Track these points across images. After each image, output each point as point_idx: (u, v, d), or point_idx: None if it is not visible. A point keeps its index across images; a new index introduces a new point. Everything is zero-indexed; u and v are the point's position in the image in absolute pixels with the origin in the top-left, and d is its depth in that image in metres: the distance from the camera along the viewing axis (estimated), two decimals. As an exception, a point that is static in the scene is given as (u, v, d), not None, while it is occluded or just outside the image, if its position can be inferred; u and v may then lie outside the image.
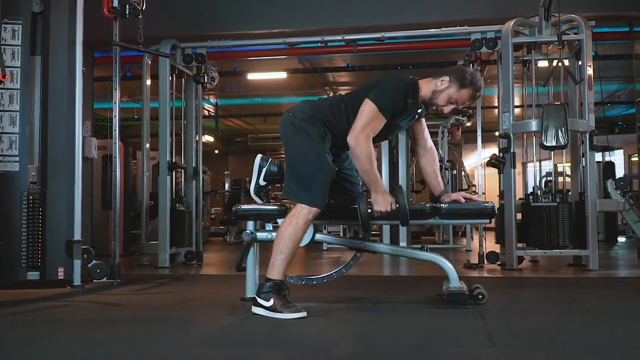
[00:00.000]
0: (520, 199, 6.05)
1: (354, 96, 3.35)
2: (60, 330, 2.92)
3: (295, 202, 3.22)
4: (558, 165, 6.69)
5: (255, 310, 3.12)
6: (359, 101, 3.26)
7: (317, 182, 3.18)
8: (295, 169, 3.27)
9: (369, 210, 3.27)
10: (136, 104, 11.05)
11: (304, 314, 3.01)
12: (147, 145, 6.54)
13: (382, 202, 3.24)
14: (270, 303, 3.07)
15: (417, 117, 3.46)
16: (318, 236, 3.53)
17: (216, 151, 18.32)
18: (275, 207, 3.55)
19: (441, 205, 3.41)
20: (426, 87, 3.32)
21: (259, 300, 3.11)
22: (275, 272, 3.15)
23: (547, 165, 7.63)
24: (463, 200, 3.41)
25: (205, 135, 13.43)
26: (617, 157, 13.31)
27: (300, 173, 3.24)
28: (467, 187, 11.31)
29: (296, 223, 3.16)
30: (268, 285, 3.12)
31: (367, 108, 3.19)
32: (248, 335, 2.78)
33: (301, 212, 3.17)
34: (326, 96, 3.47)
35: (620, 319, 3.13)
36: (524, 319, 3.17)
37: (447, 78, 3.29)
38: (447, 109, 3.35)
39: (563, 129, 5.35)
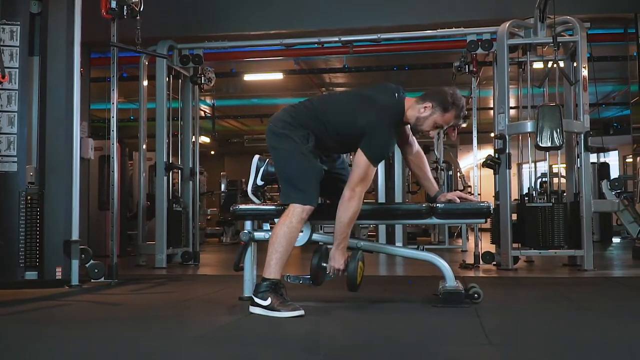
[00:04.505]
0: (515, 199, 6.09)
1: (331, 112, 3.36)
2: (58, 330, 2.94)
3: (289, 203, 3.25)
4: (553, 166, 6.72)
5: (253, 309, 3.14)
6: (341, 123, 3.31)
7: (306, 180, 3.24)
8: (284, 173, 3.33)
9: (323, 265, 3.33)
10: (132, 104, 11.06)
11: (301, 312, 3.04)
12: (144, 146, 6.55)
13: (338, 260, 3.31)
14: (268, 302, 3.09)
15: None
16: (315, 236, 3.55)
17: (212, 152, 18.32)
18: (273, 207, 3.58)
19: (437, 205, 3.44)
20: (410, 111, 3.32)
21: (256, 300, 3.13)
22: (271, 271, 3.17)
23: (543, 166, 7.68)
24: (458, 200, 3.44)
25: (202, 136, 13.44)
26: (612, 159, 13.36)
27: (288, 175, 3.29)
28: (462, 188, 11.34)
29: (290, 222, 3.20)
30: (265, 284, 3.14)
31: (363, 163, 3.22)
32: (246, 334, 2.81)
33: (295, 211, 3.21)
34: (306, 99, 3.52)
35: (615, 318, 3.17)
36: (520, 318, 3.20)
37: (429, 104, 3.28)
38: (432, 133, 3.38)
39: (558, 129, 5.38)
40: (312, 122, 3.32)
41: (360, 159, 3.23)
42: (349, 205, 3.22)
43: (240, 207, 3.69)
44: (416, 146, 3.59)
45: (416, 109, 3.31)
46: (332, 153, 3.54)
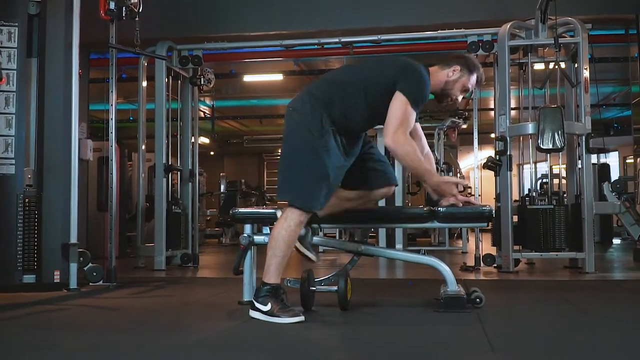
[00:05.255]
0: (515, 200, 6.06)
1: (356, 71, 3.29)
2: (57, 336, 2.91)
3: (286, 202, 3.15)
4: (554, 167, 6.69)
5: (253, 314, 3.11)
6: (370, 78, 3.18)
7: (311, 183, 3.10)
8: (290, 169, 3.18)
9: (312, 289, 3.36)
10: (131, 105, 11.04)
11: (302, 318, 3.00)
12: (143, 147, 6.52)
13: (445, 188, 3.21)
14: (268, 307, 3.05)
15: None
16: (315, 240, 3.51)
17: (212, 153, 18.31)
18: (273, 211, 3.55)
19: (439, 209, 3.41)
20: (436, 77, 3.28)
21: (257, 305, 3.09)
22: (270, 276, 3.11)
23: (543, 167, 7.65)
24: (460, 204, 3.41)
25: (201, 137, 13.42)
26: (612, 159, 13.35)
27: (294, 173, 3.15)
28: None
29: (288, 226, 3.11)
30: (265, 289, 3.09)
31: (400, 104, 3.07)
32: (246, 340, 2.77)
33: (293, 214, 3.11)
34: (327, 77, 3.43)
35: (618, 322, 3.14)
36: (522, 323, 3.17)
37: (457, 67, 3.29)
38: (460, 98, 3.37)
39: (559, 131, 5.36)
40: (336, 94, 3.15)
41: (396, 101, 3.07)
42: (400, 152, 3.07)
43: (239, 210, 3.66)
44: (427, 148, 3.52)
45: (443, 74, 3.30)
46: (358, 134, 3.33)
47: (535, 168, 6.35)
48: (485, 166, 5.87)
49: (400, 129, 3.07)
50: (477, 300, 3.36)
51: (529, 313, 3.52)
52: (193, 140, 6.85)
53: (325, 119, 3.12)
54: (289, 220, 3.11)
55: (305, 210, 3.12)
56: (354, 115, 3.19)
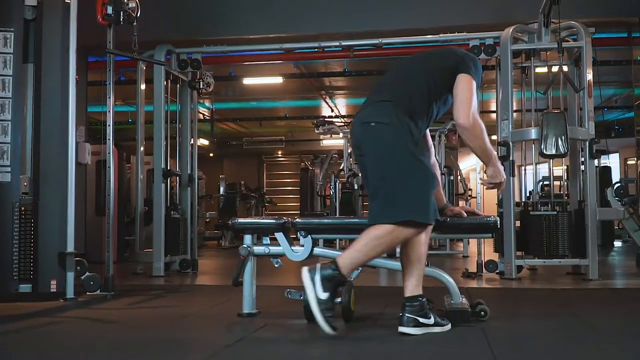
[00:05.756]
0: (517, 204, 5.99)
1: (418, 60, 3.30)
2: (53, 355, 2.83)
3: (402, 219, 2.89)
4: (556, 168, 6.63)
5: (305, 278, 2.83)
6: (444, 82, 3.10)
7: (426, 195, 2.95)
8: (395, 185, 2.93)
9: None
10: (130, 107, 10.97)
11: (334, 332, 2.84)
12: (142, 149, 6.44)
13: (498, 175, 3.14)
14: (323, 295, 2.80)
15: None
16: (316, 250, 3.46)
17: (211, 154, 18.24)
18: (273, 221, 3.49)
19: (443, 219, 3.34)
20: None
21: (315, 275, 2.81)
22: (346, 264, 2.88)
23: (544, 168, 7.58)
24: (465, 214, 3.34)
25: (200, 139, 13.35)
26: (613, 161, 13.31)
27: (403, 189, 2.92)
28: (463, 191, 11.27)
29: (396, 237, 2.90)
30: (332, 273, 2.83)
31: (467, 84, 3.03)
32: (248, 358, 2.70)
33: (405, 231, 2.89)
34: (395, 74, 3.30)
35: (624, 337, 3.07)
36: (528, 338, 3.09)
37: None
38: None
39: (563, 137, 5.29)
40: (413, 97, 3.04)
41: (462, 82, 3.02)
42: (475, 132, 3.00)
43: (239, 220, 3.59)
44: (434, 157, 3.46)
45: None
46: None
47: (536, 169, 6.29)
48: (488, 171, 5.80)
49: (473, 108, 3.02)
50: (482, 313, 3.29)
51: (534, 327, 3.42)
52: (192, 142, 6.78)
53: (413, 128, 3.00)
54: (400, 234, 2.91)
55: (428, 223, 2.95)
56: (425, 119, 3.12)
